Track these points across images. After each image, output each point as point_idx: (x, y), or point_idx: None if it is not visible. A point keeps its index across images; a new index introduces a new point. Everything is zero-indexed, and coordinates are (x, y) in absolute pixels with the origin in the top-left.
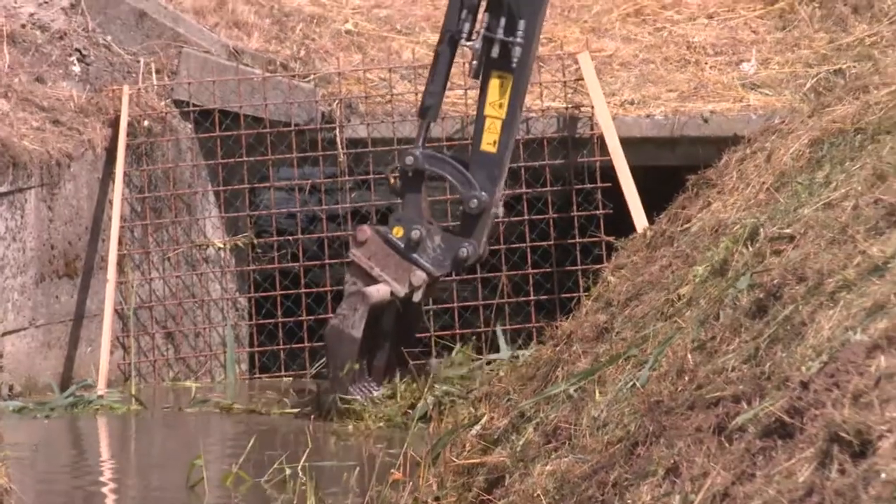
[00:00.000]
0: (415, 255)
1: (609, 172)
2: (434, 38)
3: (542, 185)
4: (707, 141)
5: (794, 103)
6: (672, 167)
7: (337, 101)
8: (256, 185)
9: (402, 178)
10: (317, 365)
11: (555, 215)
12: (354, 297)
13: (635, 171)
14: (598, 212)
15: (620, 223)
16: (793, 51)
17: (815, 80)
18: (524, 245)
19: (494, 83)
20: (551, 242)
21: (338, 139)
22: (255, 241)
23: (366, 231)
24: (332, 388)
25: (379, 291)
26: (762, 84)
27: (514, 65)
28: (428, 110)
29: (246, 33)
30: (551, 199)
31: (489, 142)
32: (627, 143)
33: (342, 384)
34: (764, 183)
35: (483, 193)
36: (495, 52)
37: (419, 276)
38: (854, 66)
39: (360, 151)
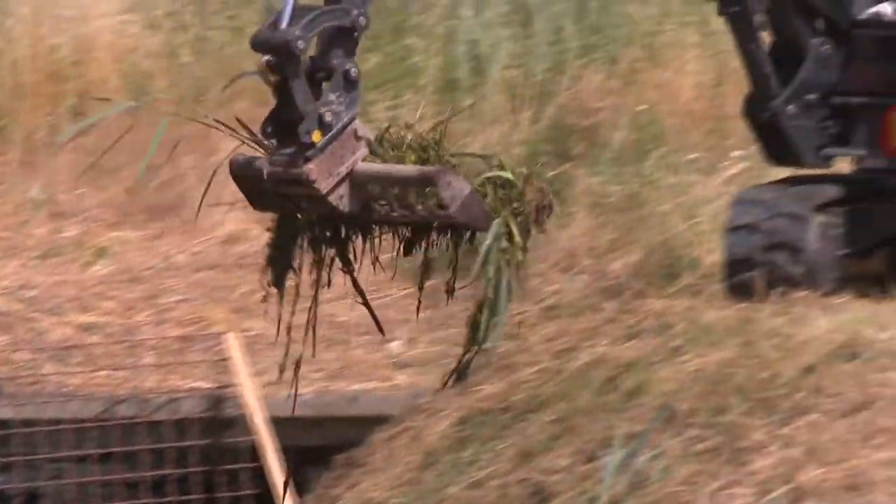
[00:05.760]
0: (340, 123)
1: (257, 452)
2: (82, 318)
3: (188, 466)
4: (354, 420)
5: (441, 382)
6: (319, 447)
7: None
8: None
9: (286, 65)
10: None
11: (202, 496)
12: (435, 175)
13: (283, 451)
14: (245, 492)
15: None
16: (442, 329)
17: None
18: None
19: None
20: None
21: None
22: None
23: (311, 169)
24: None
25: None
26: (410, 363)
27: None
28: None
29: None
30: (198, 481)
31: None
32: (275, 423)
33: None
34: (410, 462)
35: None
36: None
37: (363, 128)
38: (501, 345)
39: (6, 433)
